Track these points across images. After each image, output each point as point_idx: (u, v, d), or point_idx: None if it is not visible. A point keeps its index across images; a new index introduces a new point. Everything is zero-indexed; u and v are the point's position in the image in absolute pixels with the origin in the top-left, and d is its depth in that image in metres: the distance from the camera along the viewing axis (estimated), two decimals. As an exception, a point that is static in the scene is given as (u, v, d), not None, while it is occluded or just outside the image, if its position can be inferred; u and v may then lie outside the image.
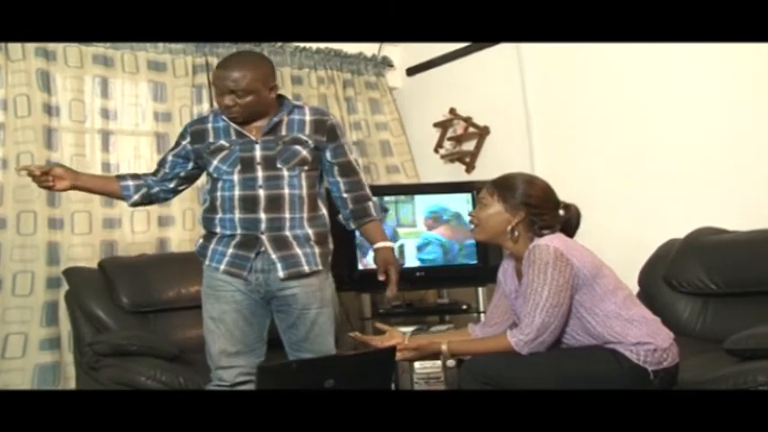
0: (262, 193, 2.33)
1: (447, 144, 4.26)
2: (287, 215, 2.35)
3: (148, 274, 3.27)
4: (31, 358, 3.19)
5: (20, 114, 3.29)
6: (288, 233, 2.35)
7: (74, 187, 2.42)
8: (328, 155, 2.46)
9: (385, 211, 2.57)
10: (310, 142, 2.40)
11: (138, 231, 3.59)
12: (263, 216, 2.33)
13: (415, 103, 4.55)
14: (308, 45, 4.18)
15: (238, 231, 2.34)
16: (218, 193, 2.37)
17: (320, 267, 2.39)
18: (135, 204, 2.53)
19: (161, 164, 2.51)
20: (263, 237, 2.33)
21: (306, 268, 2.35)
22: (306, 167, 2.39)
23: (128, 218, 3.54)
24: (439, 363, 3.15)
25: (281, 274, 2.32)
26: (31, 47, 3.34)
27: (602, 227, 3.41)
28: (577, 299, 2.08)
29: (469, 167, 4.16)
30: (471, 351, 2.21)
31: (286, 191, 2.35)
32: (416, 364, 3.23)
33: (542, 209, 2.18)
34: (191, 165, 2.47)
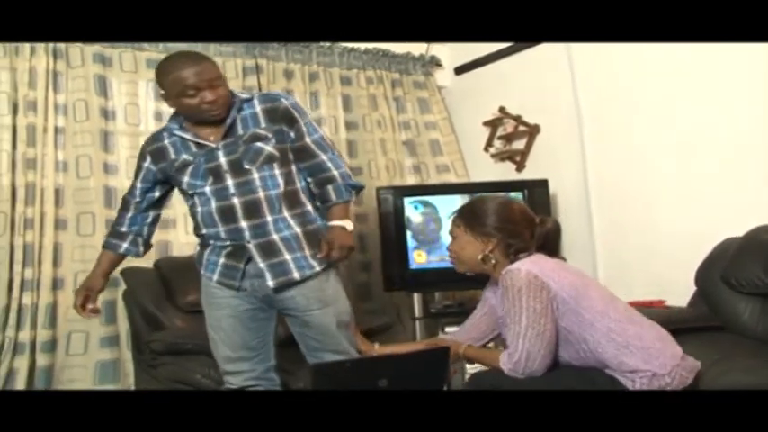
0: (236, 201, 2.19)
1: (497, 143, 4.22)
2: (268, 218, 2.20)
3: (202, 273, 3.33)
4: (92, 355, 3.31)
5: (78, 119, 3.41)
6: (275, 236, 2.21)
7: (102, 287, 2.40)
8: (292, 140, 2.27)
9: (355, 188, 2.32)
10: (270, 135, 2.21)
11: (191, 232, 3.61)
12: (243, 224, 2.20)
13: (463, 101, 4.53)
14: (356, 45, 4.21)
15: (227, 243, 2.25)
16: (198, 209, 2.26)
17: (316, 269, 2.23)
18: (144, 251, 2.47)
19: (130, 194, 2.39)
20: (250, 245, 2.21)
21: (296, 275, 2.21)
22: (275, 164, 2.22)
23: (182, 219, 3.61)
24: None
25: (270, 283, 2.20)
26: (89, 53, 3.45)
27: (657, 226, 3.36)
28: (564, 326, 1.97)
29: (520, 166, 4.12)
30: (481, 360, 2.17)
31: (260, 194, 2.20)
32: (468, 366, 3.21)
33: (517, 231, 2.09)
34: (159, 187, 2.37)
